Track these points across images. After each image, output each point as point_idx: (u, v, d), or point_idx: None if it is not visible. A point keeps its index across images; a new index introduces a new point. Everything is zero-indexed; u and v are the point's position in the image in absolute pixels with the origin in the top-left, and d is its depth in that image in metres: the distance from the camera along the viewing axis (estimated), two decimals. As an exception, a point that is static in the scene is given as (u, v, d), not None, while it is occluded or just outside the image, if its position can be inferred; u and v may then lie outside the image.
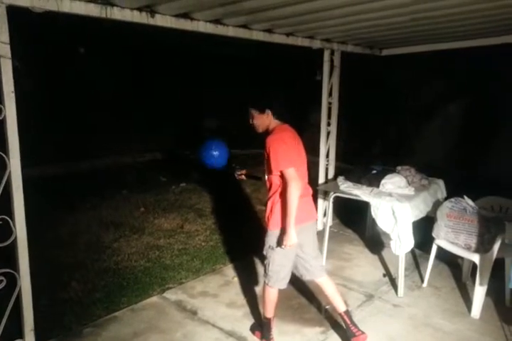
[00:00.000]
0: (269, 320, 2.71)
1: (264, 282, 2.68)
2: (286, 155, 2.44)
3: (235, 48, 6.90)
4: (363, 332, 2.67)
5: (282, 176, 2.45)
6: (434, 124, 7.15)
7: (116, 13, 2.75)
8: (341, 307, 2.72)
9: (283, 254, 2.55)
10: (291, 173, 2.41)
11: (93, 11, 2.64)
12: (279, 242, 2.48)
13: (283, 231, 2.45)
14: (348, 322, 2.70)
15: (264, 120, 2.61)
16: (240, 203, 5.93)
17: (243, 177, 3.14)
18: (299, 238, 2.46)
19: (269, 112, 2.59)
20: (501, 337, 2.84)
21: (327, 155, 4.96)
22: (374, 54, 5.12)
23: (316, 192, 4.96)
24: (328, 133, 4.89)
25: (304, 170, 2.64)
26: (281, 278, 2.61)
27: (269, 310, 2.70)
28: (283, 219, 2.45)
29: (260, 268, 3.84)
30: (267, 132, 2.61)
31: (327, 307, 3.12)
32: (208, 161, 3.37)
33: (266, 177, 2.63)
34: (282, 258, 2.58)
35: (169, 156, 9.25)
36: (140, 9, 2.83)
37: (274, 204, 2.54)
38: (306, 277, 2.78)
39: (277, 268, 2.59)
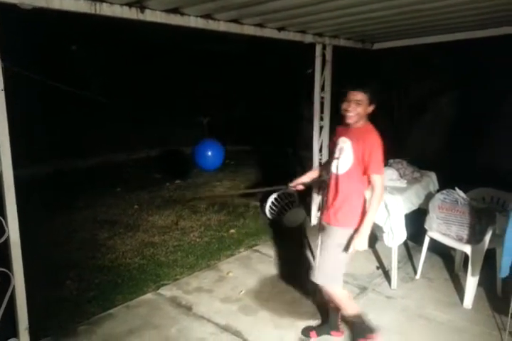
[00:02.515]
0: (361, 316, 2.61)
1: (327, 287, 2.52)
2: (382, 160, 2.39)
3: (229, 44, 6.89)
4: (343, 331, 2.75)
5: (368, 177, 2.37)
6: (426, 117, 7.18)
7: (106, 9, 2.74)
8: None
9: (348, 253, 2.45)
10: (382, 179, 2.38)
11: (83, 7, 2.62)
12: (348, 243, 2.40)
13: (355, 232, 2.40)
14: (340, 317, 2.75)
15: (365, 112, 2.38)
16: (234, 199, 5.93)
17: (300, 186, 2.86)
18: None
19: (373, 107, 2.40)
20: (493, 326, 2.89)
21: (320, 150, 4.97)
22: (365, 48, 5.12)
23: (310, 187, 4.98)
24: (321, 128, 4.89)
25: None
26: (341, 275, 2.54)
27: (353, 307, 2.60)
28: (361, 220, 2.40)
29: (256, 263, 3.87)
30: (349, 125, 2.42)
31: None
32: (201, 161, 3.22)
33: (335, 169, 2.46)
34: (347, 257, 2.48)
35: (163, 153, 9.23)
36: (129, 5, 2.81)
37: (347, 201, 2.44)
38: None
39: (343, 267, 2.52)
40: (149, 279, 3.57)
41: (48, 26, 6.02)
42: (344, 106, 2.39)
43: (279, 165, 7.84)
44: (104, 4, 2.71)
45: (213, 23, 3.35)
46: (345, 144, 2.43)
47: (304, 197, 5.01)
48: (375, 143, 2.36)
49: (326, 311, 2.87)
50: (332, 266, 2.50)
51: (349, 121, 2.40)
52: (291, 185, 2.84)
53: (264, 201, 5.16)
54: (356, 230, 2.41)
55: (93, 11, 2.67)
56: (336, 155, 2.47)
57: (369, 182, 2.41)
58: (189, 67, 8.94)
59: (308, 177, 2.87)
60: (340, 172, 2.44)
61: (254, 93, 9.30)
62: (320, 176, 2.82)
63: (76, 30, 6.58)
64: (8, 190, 2.30)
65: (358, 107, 2.35)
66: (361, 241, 2.38)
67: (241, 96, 9.61)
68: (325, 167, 2.76)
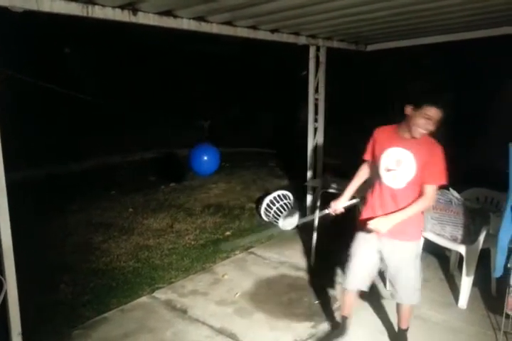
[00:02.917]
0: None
1: (411, 302, 2.56)
2: (445, 170, 2.34)
3: (223, 46, 6.92)
4: None
5: (421, 187, 2.30)
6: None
7: (98, 12, 2.73)
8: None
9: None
10: (436, 191, 2.36)
11: (74, 9, 2.61)
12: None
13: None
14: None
15: (432, 130, 2.29)
16: (229, 201, 5.92)
17: (341, 210, 2.70)
18: None
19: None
20: (488, 326, 2.90)
21: (314, 152, 4.97)
22: (359, 49, 5.14)
23: (305, 188, 4.99)
24: (316, 130, 4.90)
25: None
26: None
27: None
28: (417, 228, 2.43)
29: (251, 265, 3.86)
30: (404, 134, 2.34)
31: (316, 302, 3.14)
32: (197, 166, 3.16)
33: (391, 182, 2.35)
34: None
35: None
36: (122, 7, 2.81)
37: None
38: (366, 286, 2.68)
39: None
40: (144, 282, 3.55)
41: (42, 29, 6.01)
42: (422, 121, 2.23)
43: (276, 166, 7.84)
44: (96, 7, 2.71)
45: (206, 25, 3.35)
46: (402, 155, 2.32)
47: (299, 199, 5.02)
48: (441, 155, 2.30)
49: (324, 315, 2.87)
50: (416, 280, 2.52)
51: (416, 136, 2.29)
52: (331, 210, 2.71)
53: (259, 203, 5.16)
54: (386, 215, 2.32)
55: (85, 14, 2.67)
56: (391, 166, 2.34)
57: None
58: (184, 68, 8.95)
59: (347, 197, 2.68)
60: (400, 185, 2.34)
61: (248, 95, 9.32)
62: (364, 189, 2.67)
63: (71, 32, 6.56)
64: (0, 194, 2.28)
65: (430, 126, 2.25)
66: (381, 223, 2.26)
67: (236, 97, 9.62)
68: (369, 178, 2.64)
